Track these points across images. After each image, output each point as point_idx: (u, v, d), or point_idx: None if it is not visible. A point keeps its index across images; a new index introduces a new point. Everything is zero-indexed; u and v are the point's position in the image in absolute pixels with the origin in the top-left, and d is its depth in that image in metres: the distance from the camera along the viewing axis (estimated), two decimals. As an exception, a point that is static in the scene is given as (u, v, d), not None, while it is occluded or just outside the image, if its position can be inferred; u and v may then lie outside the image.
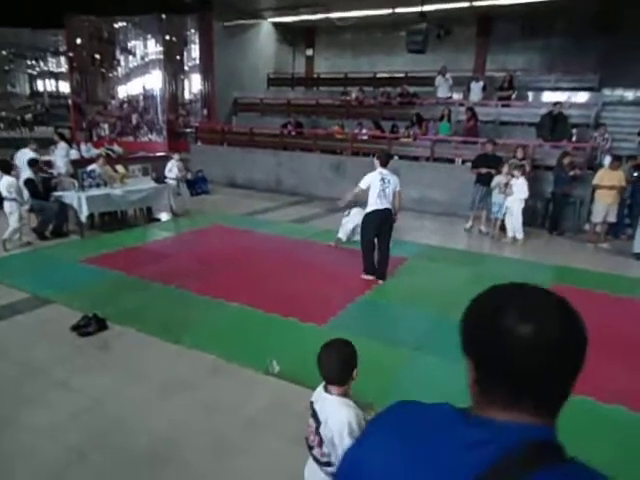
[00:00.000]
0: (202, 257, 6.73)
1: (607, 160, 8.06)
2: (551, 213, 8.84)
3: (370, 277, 5.94)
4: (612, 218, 7.93)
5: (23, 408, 3.34)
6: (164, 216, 9.13)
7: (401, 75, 15.03)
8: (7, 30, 14.51)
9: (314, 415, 1.96)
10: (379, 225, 5.71)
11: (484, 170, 8.41)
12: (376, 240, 5.88)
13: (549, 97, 12.35)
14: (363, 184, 5.69)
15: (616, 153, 8.81)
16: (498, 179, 8.05)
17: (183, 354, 4.08)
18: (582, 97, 12.43)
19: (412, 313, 5.04)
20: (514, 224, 7.91)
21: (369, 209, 5.73)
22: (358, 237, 6.50)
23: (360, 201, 6.49)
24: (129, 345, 4.26)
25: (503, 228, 8.20)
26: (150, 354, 4.10)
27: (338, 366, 1.90)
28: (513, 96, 12.13)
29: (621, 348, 4.41)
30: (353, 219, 7.31)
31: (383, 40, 16.96)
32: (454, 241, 8.13)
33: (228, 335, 4.41)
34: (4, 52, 15.64)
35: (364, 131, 11.80)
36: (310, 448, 1.97)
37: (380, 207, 5.62)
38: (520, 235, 7.93)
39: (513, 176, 7.81)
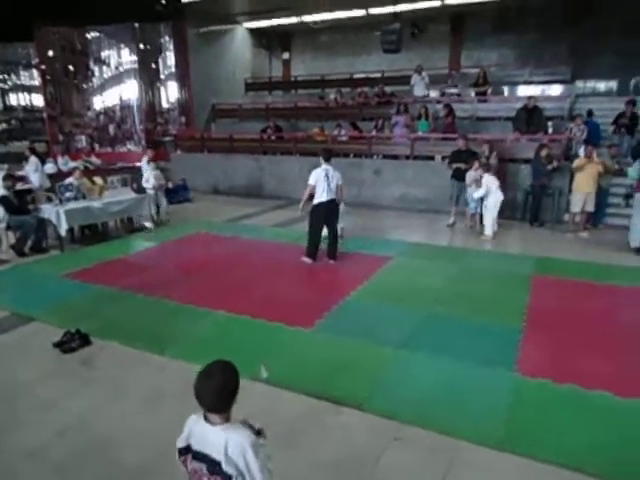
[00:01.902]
0: (186, 266, 6.67)
1: (582, 150, 8.21)
2: (530, 205, 8.97)
3: (309, 260, 6.60)
4: (590, 208, 8.07)
5: (6, 429, 3.26)
6: (146, 226, 9.03)
7: (378, 75, 15.13)
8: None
9: (199, 457, 1.71)
10: (326, 214, 6.47)
11: (454, 165, 8.58)
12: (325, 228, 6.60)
13: (524, 91, 12.55)
14: (311, 180, 6.44)
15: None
16: (472, 175, 8.14)
17: (168, 366, 4.03)
18: (556, 90, 12.66)
19: (397, 311, 5.05)
20: (489, 219, 7.98)
21: (316, 201, 6.45)
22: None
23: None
24: (113, 359, 4.20)
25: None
26: (135, 367, 4.05)
27: (218, 392, 1.69)
28: (489, 91, 12.29)
29: (608, 334, 4.49)
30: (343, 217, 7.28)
31: (358, 41, 17.05)
32: (437, 238, 8.19)
33: (214, 344, 4.37)
34: (-27, 67, 15.34)
35: (343, 132, 11.84)
36: None
37: (325, 199, 6.38)
38: (494, 229, 7.98)
39: (484, 172, 7.93)
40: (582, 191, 7.98)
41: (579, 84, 13.03)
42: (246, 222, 9.51)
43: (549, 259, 6.80)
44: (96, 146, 15.21)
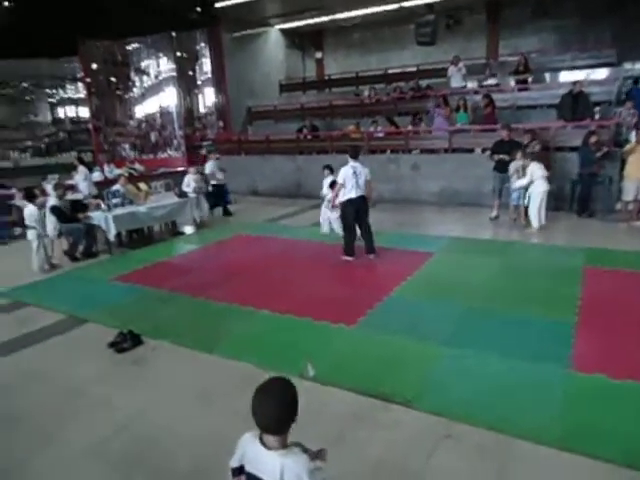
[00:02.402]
0: (228, 267, 6.80)
1: (634, 135, 7.81)
2: (579, 195, 8.60)
3: (350, 258, 6.62)
4: (643, 195, 7.66)
5: (65, 427, 3.42)
6: (188, 229, 9.27)
7: (412, 69, 14.92)
8: (27, 62, 15.00)
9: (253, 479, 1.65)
10: (356, 210, 6.52)
11: (497, 157, 8.35)
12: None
13: (567, 77, 12.04)
14: (340, 179, 6.52)
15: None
16: (515, 165, 7.89)
17: (217, 364, 4.12)
18: (601, 74, 12.07)
19: (442, 307, 4.97)
20: (534, 209, 7.70)
21: (346, 198, 6.51)
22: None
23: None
24: (164, 358, 4.33)
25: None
26: (185, 366, 4.16)
27: (277, 414, 1.58)
28: (530, 79, 11.87)
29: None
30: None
31: (391, 35, 16.87)
32: (480, 232, 7.98)
33: (260, 342, 4.43)
34: (25, 84, 16.17)
35: (379, 129, 11.74)
36: None
37: (354, 196, 6.44)
38: (541, 221, 7.71)
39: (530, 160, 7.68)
40: (634, 178, 7.60)
41: (627, 66, 12.38)
42: (284, 222, 9.59)
43: (601, 250, 6.50)
44: (139, 153, 15.75)
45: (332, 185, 7.28)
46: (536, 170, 7.57)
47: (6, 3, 9.74)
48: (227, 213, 10.75)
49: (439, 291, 5.43)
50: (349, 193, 6.48)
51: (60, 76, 16.77)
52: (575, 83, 9.45)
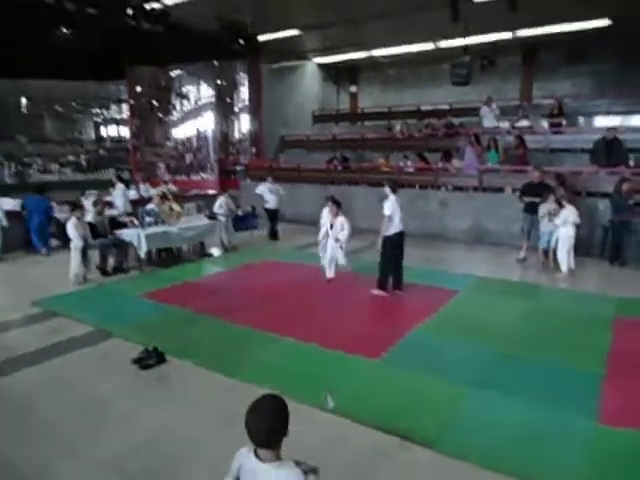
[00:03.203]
0: (254, 291, 6.88)
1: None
2: (611, 242, 8.44)
3: (382, 292, 6.50)
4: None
5: (88, 438, 3.50)
6: (216, 251, 9.44)
7: (445, 107, 15.09)
8: (76, 84, 15.86)
9: None
10: (400, 244, 6.46)
11: (526, 199, 8.30)
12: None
13: (602, 122, 12.00)
14: (388, 211, 6.31)
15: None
16: (545, 207, 7.83)
17: (239, 388, 4.15)
18: (637, 120, 11.99)
19: (467, 348, 4.91)
20: (563, 253, 7.59)
21: (392, 231, 6.36)
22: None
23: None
24: (187, 378, 4.39)
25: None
26: (207, 388, 4.21)
27: (269, 428, 1.70)
28: (563, 122, 11.87)
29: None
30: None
31: (427, 73, 17.16)
32: (507, 272, 7.88)
33: (282, 369, 4.46)
34: (73, 103, 17.03)
35: (409, 163, 11.85)
36: None
37: (400, 230, 6.41)
38: (570, 265, 7.57)
39: (560, 205, 7.62)
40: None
41: (664, 114, 12.28)
42: (312, 250, 9.66)
43: (633, 299, 6.34)
44: (173, 174, 16.26)
45: (334, 202, 7.21)
46: (569, 214, 7.50)
47: (65, 30, 10.42)
48: (274, 237, 10.85)
49: (464, 330, 5.37)
50: (397, 227, 6.37)
51: (105, 97, 17.62)
52: (610, 129, 9.40)
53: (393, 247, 6.43)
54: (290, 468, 1.71)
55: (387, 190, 6.48)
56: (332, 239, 7.14)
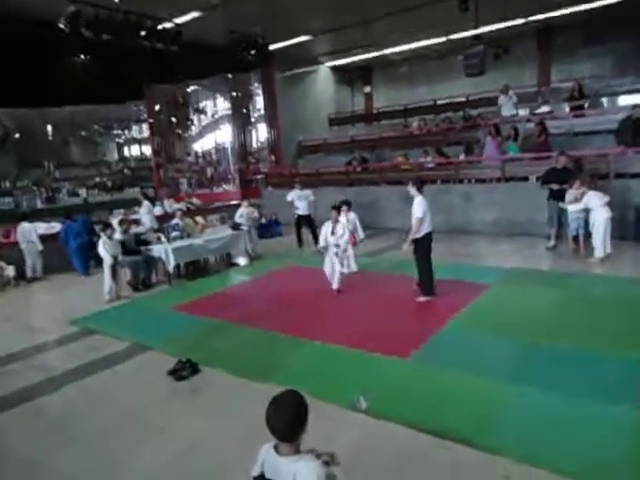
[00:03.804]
0: (282, 297, 6.92)
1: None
2: (644, 223, 8.16)
3: (429, 298, 6.18)
4: None
5: (127, 452, 3.56)
6: (242, 261, 9.56)
7: (462, 99, 14.92)
8: (98, 107, 16.38)
9: None
10: (430, 245, 6.23)
11: (555, 186, 8.03)
12: None
13: (625, 101, 11.64)
14: (419, 212, 6.04)
15: None
16: (572, 193, 7.61)
17: (271, 393, 4.16)
18: (664, 96, 11.58)
19: (500, 342, 4.81)
20: (599, 238, 7.35)
21: (424, 233, 6.13)
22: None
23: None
24: (221, 387, 4.45)
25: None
26: (241, 396, 4.24)
27: (289, 422, 1.77)
28: (586, 105, 11.56)
29: None
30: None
31: (440, 67, 17.02)
32: (537, 262, 7.71)
33: (313, 373, 4.46)
34: (96, 126, 17.58)
35: (429, 159, 11.74)
36: None
37: (431, 229, 6.19)
38: (607, 250, 7.33)
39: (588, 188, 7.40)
40: None
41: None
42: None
43: (673, 282, 6.11)
44: (195, 188, 16.56)
45: (335, 208, 7.03)
46: (593, 198, 7.28)
47: (82, 56, 10.78)
48: (315, 241, 10.72)
49: (497, 324, 5.27)
50: (428, 228, 6.16)
51: (126, 118, 18.12)
52: (635, 107, 9.12)
53: (428, 248, 6.24)
54: (308, 460, 1.76)
55: (413, 190, 6.18)
56: (332, 249, 6.87)
